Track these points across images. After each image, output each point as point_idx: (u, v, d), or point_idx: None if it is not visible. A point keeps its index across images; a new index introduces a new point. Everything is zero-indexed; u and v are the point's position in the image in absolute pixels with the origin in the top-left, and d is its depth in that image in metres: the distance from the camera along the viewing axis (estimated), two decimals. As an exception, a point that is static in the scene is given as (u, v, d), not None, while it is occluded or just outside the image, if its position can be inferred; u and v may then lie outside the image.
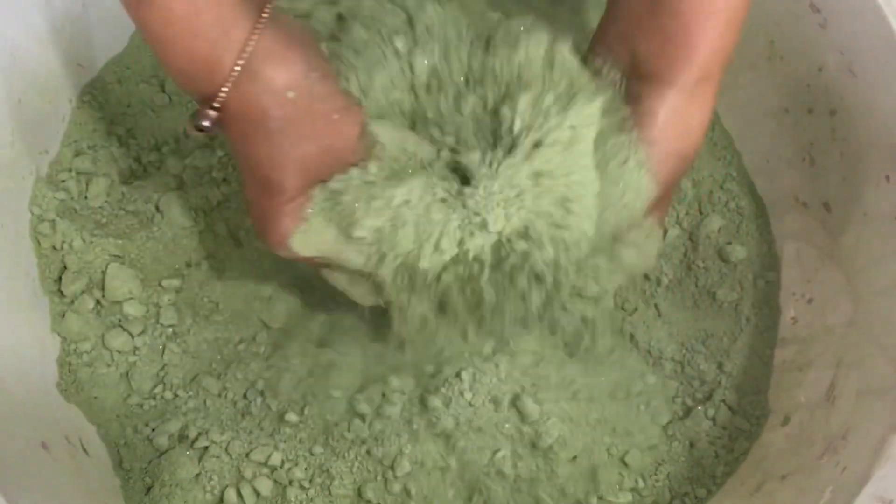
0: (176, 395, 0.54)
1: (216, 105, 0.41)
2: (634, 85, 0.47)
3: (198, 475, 0.51)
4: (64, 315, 0.54)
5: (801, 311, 0.58)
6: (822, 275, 0.57)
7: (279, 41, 0.41)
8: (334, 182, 0.45)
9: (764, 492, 0.51)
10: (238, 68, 0.40)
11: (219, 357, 0.56)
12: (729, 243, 0.61)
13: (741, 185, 0.62)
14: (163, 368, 0.54)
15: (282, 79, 0.41)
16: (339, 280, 0.49)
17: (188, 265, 0.56)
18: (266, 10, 0.41)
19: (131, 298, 0.55)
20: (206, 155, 0.58)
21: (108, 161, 0.57)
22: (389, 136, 0.45)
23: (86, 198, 0.56)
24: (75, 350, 0.53)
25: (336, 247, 0.46)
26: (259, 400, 0.54)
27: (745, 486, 0.53)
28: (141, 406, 0.54)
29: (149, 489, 0.51)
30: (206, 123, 0.42)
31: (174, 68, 0.41)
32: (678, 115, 0.46)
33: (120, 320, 0.55)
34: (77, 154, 0.57)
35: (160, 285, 0.55)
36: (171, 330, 0.55)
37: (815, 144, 0.58)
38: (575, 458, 0.53)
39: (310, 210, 0.45)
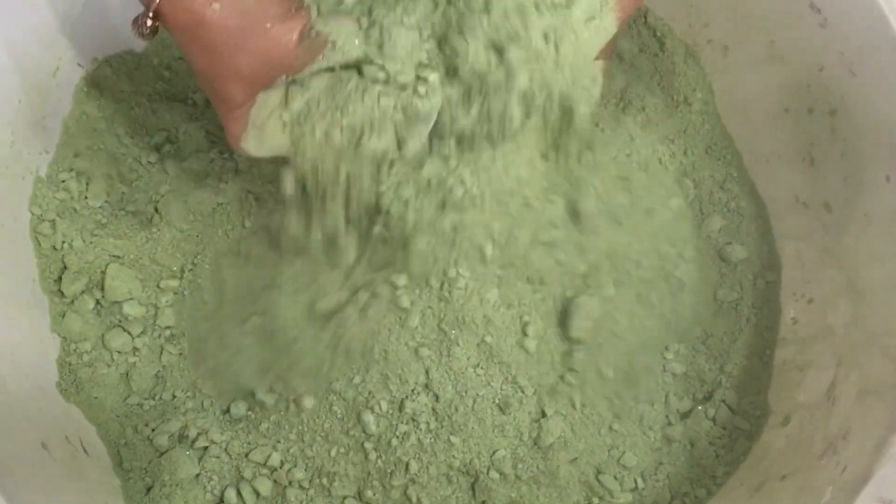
0: (175, 396, 0.54)
1: (150, 14, 0.42)
2: None
3: (198, 475, 0.51)
4: (64, 315, 0.54)
5: (801, 311, 0.58)
6: (822, 275, 0.57)
7: None
8: (279, 87, 0.45)
9: (764, 492, 0.51)
10: None
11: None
12: (729, 243, 0.61)
13: (741, 185, 0.62)
14: (163, 369, 0.54)
15: None
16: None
17: (186, 267, 0.56)
18: None
19: (131, 299, 0.55)
20: (202, 158, 0.58)
21: (108, 161, 0.57)
22: (343, 29, 0.45)
23: (86, 198, 0.56)
24: (75, 350, 0.53)
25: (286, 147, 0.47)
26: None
27: (745, 486, 0.53)
28: (141, 406, 0.54)
29: (149, 489, 0.51)
30: (144, 31, 0.43)
31: None
32: None
33: (120, 320, 0.55)
34: (77, 154, 0.57)
35: (159, 286, 0.55)
36: (169, 331, 0.55)
37: (815, 144, 0.58)
38: (575, 459, 0.53)
39: (254, 115, 0.46)
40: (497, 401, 0.52)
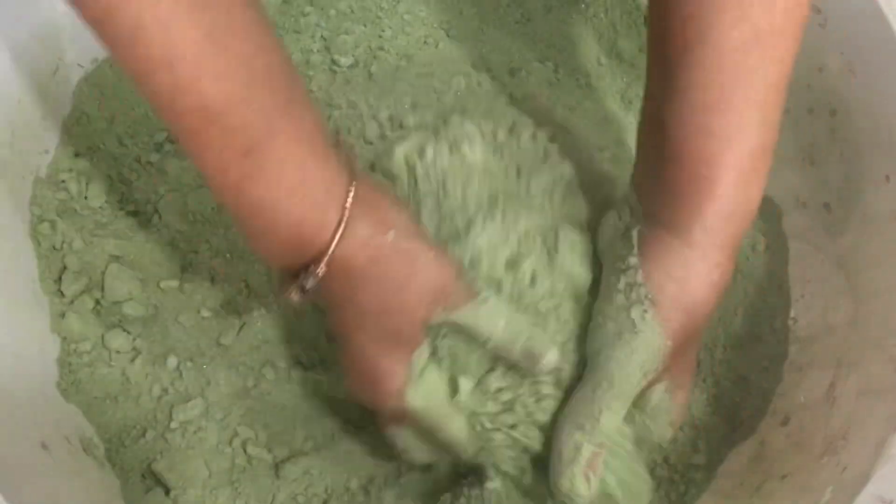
0: (175, 396, 0.54)
1: (324, 262, 0.41)
2: (647, 230, 0.45)
3: (198, 475, 0.51)
4: (64, 315, 0.54)
5: (801, 311, 0.58)
6: (822, 275, 0.57)
7: (372, 188, 0.42)
8: (444, 318, 0.44)
9: (764, 492, 0.51)
10: (344, 222, 0.40)
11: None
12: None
13: None
14: (164, 368, 0.54)
15: (382, 222, 0.42)
16: (403, 438, 0.48)
17: (185, 268, 0.56)
18: (352, 162, 0.42)
19: (131, 299, 0.55)
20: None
21: (108, 161, 0.57)
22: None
23: (86, 198, 0.56)
24: (75, 350, 0.53)
25: (444, 409, 0.46)
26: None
27: (745, 486, 0.53)
28: (141, 406, 0.54)
29: (149, 490, 0.51)
30: (308, 284, 0.41)
31: (276, 236, 0.40)
32: (682, 267, 0.44)
33: (120, 320, 0.54)
34: (77, 154, 0.57)
35: (159, 286, 0.55)
36: (174, 329, 0.55)
37: (815, 144, 0.58)
38: None
39: (422, 358, 0.45)
40: None
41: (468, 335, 0.46)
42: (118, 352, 0.54)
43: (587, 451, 0.43)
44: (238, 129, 0.37)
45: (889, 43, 0.50)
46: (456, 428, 0.46)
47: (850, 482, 0.44)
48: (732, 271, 0.44)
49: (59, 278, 0.54)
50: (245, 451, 0.52)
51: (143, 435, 0.52)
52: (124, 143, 0.59)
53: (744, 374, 0.57)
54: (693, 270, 0.43)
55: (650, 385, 0.45)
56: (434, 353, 0.46)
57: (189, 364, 0.54)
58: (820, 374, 0.54)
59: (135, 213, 0.57)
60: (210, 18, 0.35)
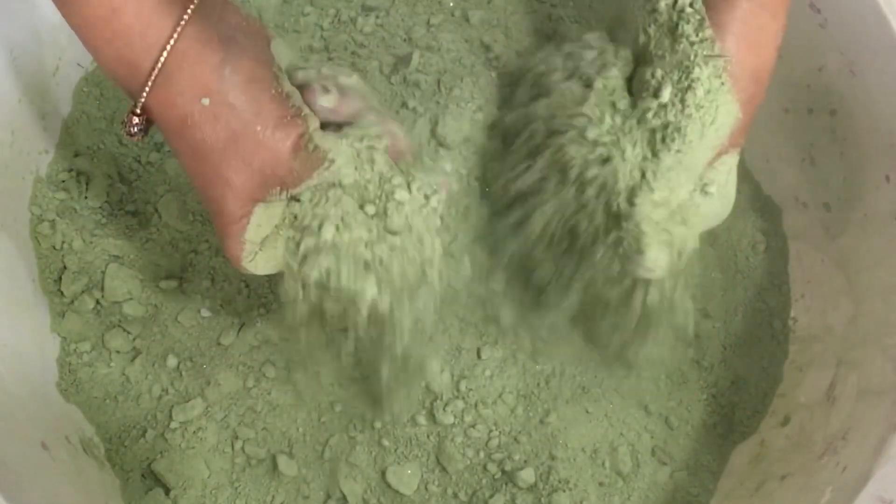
0: (175, 396, 0.54)
1: (137, 111, 0.39)
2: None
3: (198, 475, 0.51)
4: (64, 315, 0.54)
5: (801, 311, 0.58)
6: (822, 275, 0.57)
7: (199, 41, 0.38)
8: (275, 203, 0.42)
9: (764, 492, 0.51)
10: (155, 72, 0.38)
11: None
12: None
13: (749, 184, 0.62)
14: (164, 368, 0.54)
15: (197, 84, 0.38)
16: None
17: (185, 268, 0.56)
18: (191, 7, 0.38)
19: (130, 299, 0.55)
20: None
21: (108, 161, 0.57)
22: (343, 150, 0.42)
23: (86, 198, 0.56)
24: (75, 350, 0.53)
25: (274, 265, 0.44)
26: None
27: (745, 486, 0.53)
28: (141, 406, 0.54)
29: (149, 490, 0.51)
30: (132, 130, 0.39)
31: (103, 68, 0.39)
32: (749, 25, 0.42)
33: (119, 320, 0.54)
34: (77, 154, 0.57)
35: (158, 286, 0.55)
36: (174, 329, 0.55)
37: (815, 144, 0.58)
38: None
39: (251, 233, 0.42)
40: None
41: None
42: (118, 352, 0.54)
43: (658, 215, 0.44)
44: None
45: (889, 43, 0.50)
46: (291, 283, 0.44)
47: (850, 482, 0.44)
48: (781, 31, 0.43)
49: (59, 278, 0.54)
50: (244, 451, 0.52)
51: (143, 435, 0.52)
52: (124, 143, 0.59)
53: (744, 374, 0.57)
54: (767, 33, 0.42)
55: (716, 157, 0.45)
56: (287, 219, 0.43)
57: (189, 364, 0.54)
58: (820, 374, 0.54)
59: (135, 213, 0.57)
60: None
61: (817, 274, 0.58)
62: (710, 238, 0.59)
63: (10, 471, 0.41)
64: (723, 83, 0.43)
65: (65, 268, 0.54)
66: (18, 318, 0.51)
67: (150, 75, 0.37)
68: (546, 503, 0.51)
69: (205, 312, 0.55)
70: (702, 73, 0.42)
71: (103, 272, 0.54)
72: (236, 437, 0.53)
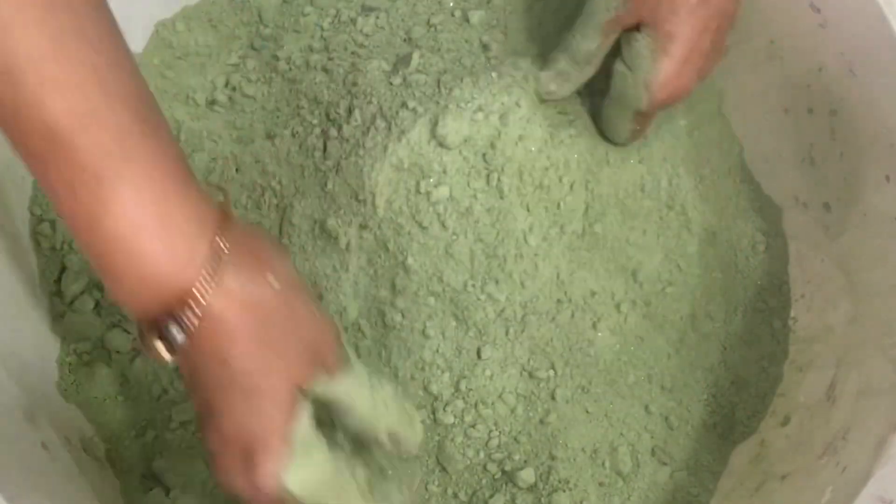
0: (175, 396, 0.54)
1: (190, 315, 0.35)
2: None
3: (198, 475, 0.51)
4: (64, 315, 0.54)
5: (801, 311, 0.58)
6: (822, 275, 0.57)
7: (242, 230, 0.37)
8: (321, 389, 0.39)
9: (764, 492, 0.51)
10: (213, 265, 0.35)
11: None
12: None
13: (749, 184, 0.62)
14: (163, 367, 0.54)
15: (260, 266, 0.37)
16: None
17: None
18: (225, 205, 0.37)
19: (131, 299, 0.55)
20: (201, 157, 0.58)
21: (108, 161, 0.57)
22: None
23: (86, 198, 0.56)
24: (75, 350, 0.53)
25: (335, 480, 0.40)
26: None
27: (745, 486, 0.53)
28: (140, 406, 0.54)
29: (149, 489, 0.51)
30: (182, 339, 0.35)
31: (130, 281, 0.34)
32: None
33: (119, 320, 0.54)
34: (77, 154, 0.57)
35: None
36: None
37: (815, 144, 0.58)
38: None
39: (304, 431, 0.38)
40: None
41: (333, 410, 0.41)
42: (118, 352, 0.54)
43: (563, 64, 0.52)
44: (89, 151, 0.33)
45: (889, 43, 0.50)
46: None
47: (850, 482, 0.44)
48: None
49: (59, 278, 0.54)
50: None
51: (143, 435, 0.52)
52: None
53: (744, 373, 0.57)
54: None
55: (626, 28, 0.51)
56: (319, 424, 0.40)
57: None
58: (820, 374, 0.54)
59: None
60: (58, 22, 0.31)
61: (817, 274, 0.58)
62: (711, 238, 0.59)
63: (10, 471, 0.41)
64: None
65: (65, 268, 0.54)
66: (18, 318, 0.51)
67: (209, 269, 0.35)
68: (546, 503, 0.51)
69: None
70: None
71: (103, 272, 0.54)
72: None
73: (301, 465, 0.38)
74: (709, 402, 0.56)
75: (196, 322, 0.35)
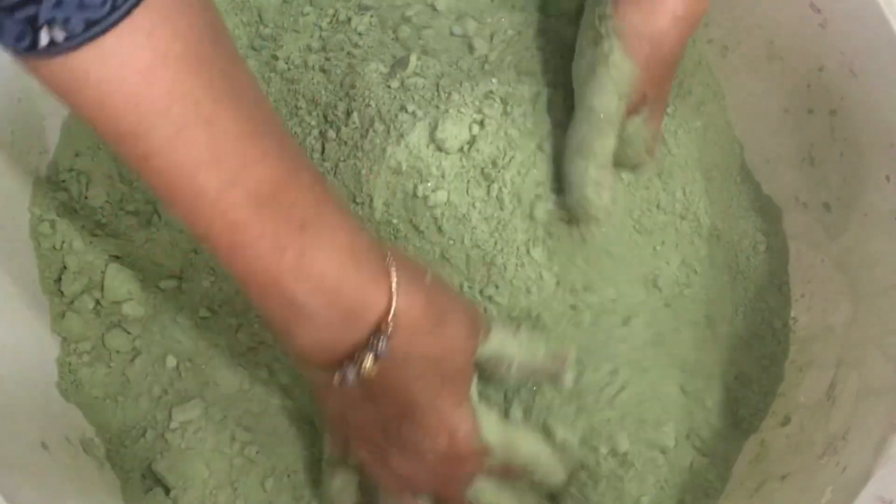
0: (174, 397, 0.54)
1: (390, 323, 0.40)
2: None
3: (198, 475, 0.51)
4: (64, 315, 0.54)
5: (801, 311, 0.58)
6: (822, 275, 0.57)
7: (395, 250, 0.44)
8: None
9: (764, 492, 0.51)
10: (394, 276, 0.41)
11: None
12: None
13: (743, 184, 0.62)
14: (163, 368, 0.54)
15: (417, 267, 0.44)
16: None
17: (185, 268, 0.56)
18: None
19: (131, 299, 0.55)
20: None
21: (108, 161, 0.57)
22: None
23: (86, 198, 0.56)
24: (75, 350, 0.53)
25: (513, 433, 0.48)
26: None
27: (745, 486, 0.53)
28: (141, 406, 0.54)
29: (149, 490, 0.51)
30: (383, 346, 0.40)
31: (332, 315, 0.40)
32: (649, 1, 0.48)
33: (119, 321, 0.54)
34: (77, 154, 0.57)
35: (158, 287, 0.55)
36: (172, 329, 0.55)
37: (815, 144, 0.58)
38: None
39: (475, 395, 0.46)
40: None
41: (489, 368, 0.48)
42: (118, 352, 0.54)
43: (592, 171, 0.50)
44: (293, 204, 0.37)
45: (889, 43, 0.50)
46: (534, 443, 0.49)
47: (850, 482, 0.44)
48: (698, 10, 0.49)
49: (59, 278, 0.54)
50: (243, 452, 0.52)
51: (143, 435, 0.52)
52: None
53: (746, 372, 0.57)
54: (659, 2, 0.48)
55: (629, 115, 0.50)
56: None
57: (188, 364, 0.54)
58: (820, 374, 0.54)
59: (135, 213, 0.56)
60: (246, 107, 0.35)
61: (817, 274, 0.58)
62: (716, 240, 0.59)
63: (10, 471, 0.41)
64: (612, 42, 0.49)
65: (65, 268, 0.54)
66: (18, 318, 0.51)
67: (391, 280, 0.41)
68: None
69: (203, 313, 0.55)
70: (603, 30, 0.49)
71: (103, 272, 0.54)
72: (234, 439, 0.53)
73: (486, 416, 0.46)
74: (721, 397, 0.56)
75: (392, 329, 0.40)
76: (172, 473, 0.51)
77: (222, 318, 0.55)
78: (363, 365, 0.40)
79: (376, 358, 0.40)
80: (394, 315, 0.40)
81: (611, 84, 0.49)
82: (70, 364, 0.53)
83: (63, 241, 0.54)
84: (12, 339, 0.50)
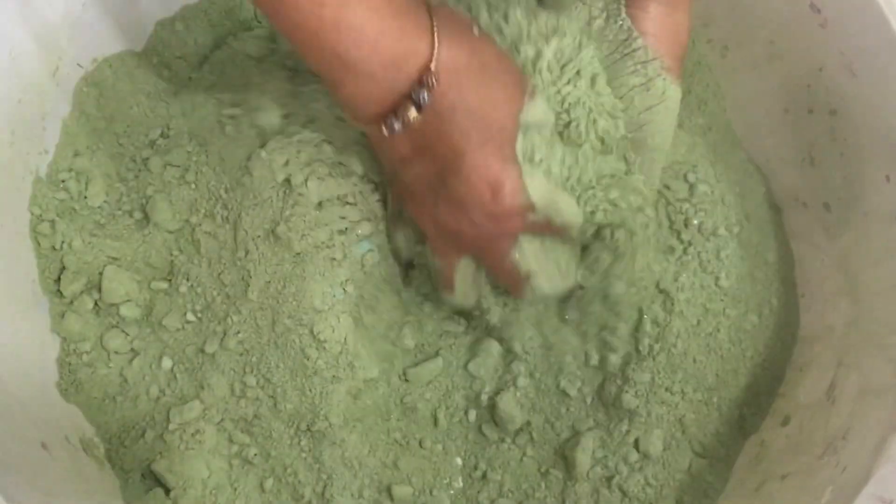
0: (172, 398, 0.54)
1: (432, 72, 0.42)
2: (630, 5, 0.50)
3: (198, 475, 0.51)
4: (64, 315, 0.53)
5: (802, 311, 0.58)
6: (822, 275, 0.57)
7: (442, 6, 0.44)
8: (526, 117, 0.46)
9: (764, 492, 0.51)
10: (436, 25, 0.42)
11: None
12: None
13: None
14: (160, 369, 0.54)
15: (463, 20, 0.44)
16: (532, 257, 0.50)
17: (174, 268, 0.55)
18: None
19: (128, 301, 0.54)
20: (181, 153, 0.57)
21: (107, 161, 0.57)
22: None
23: (85, 198, 0.56)
24: (75, 350, 0.53)
25: (553, 191, 0.48)
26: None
27: (745, 486, 0.53)
28: (140, 406, 0.54)
29: (149, 489, 0.51)
30: (425, 96, 0.42)
31: (376, 63, 0.41)
32: (665, 25, 0.50)
33: (118, 321, 0.54)
34: (76, 154, 0.57)
35: (150, 287, 0.55)
36: (165, 332, 0.55)
37: (815, 144, 0.58)
38: None
39: (519, 150, 0.46)
40: None
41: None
42: (116, 352, 0.54)
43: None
44: None
45: (889, 43, 0.50)
46: (570, 203, 0.49)
47: (850, 482, 0.44)
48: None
49: (59, 278, 0.54)
50: (241, 454, 0.52)
51: (143, 435, 0.52)
52: (122, 143, 0.59)
53: (749, 371, 0.57)
54: (682, 27, 0.50)
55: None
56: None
57: (182, 367, 0.54)
58: (820, 374, 0.54)
59: (133, 214, 0.56)
60: None
61: (817, 274, 0.58)
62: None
63: (10, 471, 0.41)
64: (664, 78, 0.50)
65: (64, 268, 0.54)
66: (18, 318, 0.51)
67: (433, 28, 0.42)
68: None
69: (190, 317, 0.55)
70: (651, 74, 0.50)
71: (101, 273, 0.54)
72: (232, 441, 0.53)
73: (531, 175, 0.46)
74: (709, 402, 0.56)
75: (435, 80, 0.42)
76: (172, 474, 0.51)
77: (205, 324, 0.54)
78: (407, 115, 0.42)
79: (420, 108, 0.42)
80: (435, 65, 0.41)
81: (672, 116, 0.52)
82: (70, 364, 0.53)
83: (62, 241, 0.54)
84: (12, 339, 0.50)
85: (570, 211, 0.49)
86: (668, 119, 0.51)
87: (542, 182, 0.47)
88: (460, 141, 0.44)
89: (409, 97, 0.42)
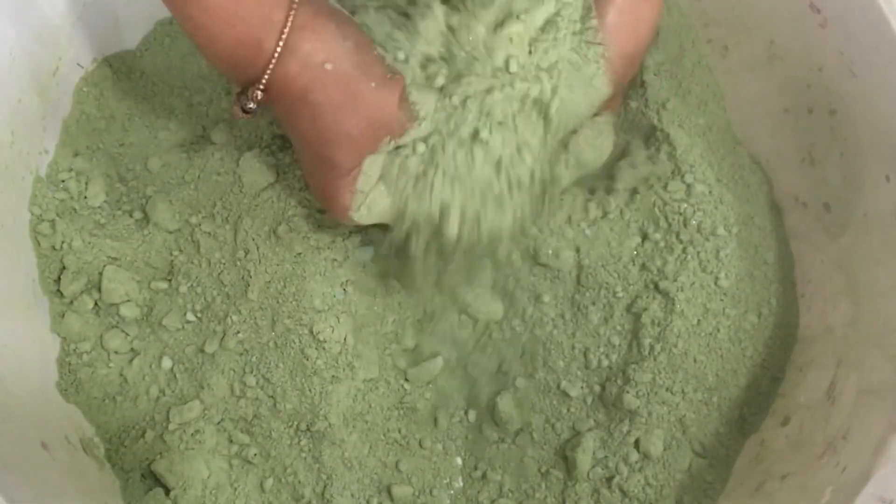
0: (173, 396, 0.54)
1: (261, 87, 0.43)
2: None
3: (198, 475, 0.51)
4: (63, 315, 0.53)
5: (802, 311, 0.58)
6: (822, 275, 0.57)
7: (313, 15, 0.43)
8: (382, 153, 0.47)
9: (764, 492, 0.51)
10: (279, 48, 0.42)
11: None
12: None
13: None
14: (160, 369, 0.54)
15: (319, 51, 0.43)
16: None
17: (174, 268, 0.55)
18: None
19: (128, 301, 0.55)
20: (179, 155, 0.58)
21: (107, 161, 0.57)
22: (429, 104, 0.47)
23: (85, 198, 0.56)
24: (75, 350, 0.53)
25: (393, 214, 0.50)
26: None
27: (745, 486, 0.53)
28: (140, 406, 0.54)
29: (149, 489, 0.51)
30: (251, 106, 0.43)
31: (217, 55, 0.42)
32: (626, 16, 0.49)
33: (118, 321, 0.54)
34: (77, 154, 0.57)
35: (150, 287, 0.55)
36: (164, 332, 0.55)
37: (815, 144, 0.58)
38: None
39: (362, 183, 0.47)
40: None
41: None
42: (116, 352, 0.54)
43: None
44: None
45: (889, 43, 0.50)
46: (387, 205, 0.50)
47: (850, 482, 0.44)
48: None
49: (59, 278, 0.54)
50: (241, 454, 0.52)
51: (143, 435, 0.52)
52: (123, 143, 0.59)
53: (749, 371, 0.57)
54: (643, 22, 0.50)
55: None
56: (382, 175, 0.49)
57: (182, 367, 0.54)
58: (820, 374, 0.54)
59: (131, 213, 0.56)
60: None
61: (817, 274, 0.58)
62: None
63: (10, 471, 0.41)
64: (599, 67, 0.49)
65: (64, 268, 0.54)
66: (18, 318, 0.51)
67: (274, 51, 0.42)
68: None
69: (189, 317, 0.55)
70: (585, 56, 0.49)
71: (101, 273, 0.54)
72: (232, 441, 0.53)
73: (364, 206, 0.49)
74: (709, 402, 0.56)
75: (263, 94, 0.43)
76: (172, 474, 0.51)
77: (205, 324, 0.54)
78: (235, 112, 0.44)
79: (244, 112, 0.44)
80: (267, 83, 0.42)
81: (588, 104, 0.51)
82: (70, 364, 0.53)
83: (62, 241, 0.54)
84: (12, 339, 0.50)
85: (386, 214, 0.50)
86: (584, 104, 0.51)
87: (376, 211, 0.49)
88: (296, 150, 0.47)
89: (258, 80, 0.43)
